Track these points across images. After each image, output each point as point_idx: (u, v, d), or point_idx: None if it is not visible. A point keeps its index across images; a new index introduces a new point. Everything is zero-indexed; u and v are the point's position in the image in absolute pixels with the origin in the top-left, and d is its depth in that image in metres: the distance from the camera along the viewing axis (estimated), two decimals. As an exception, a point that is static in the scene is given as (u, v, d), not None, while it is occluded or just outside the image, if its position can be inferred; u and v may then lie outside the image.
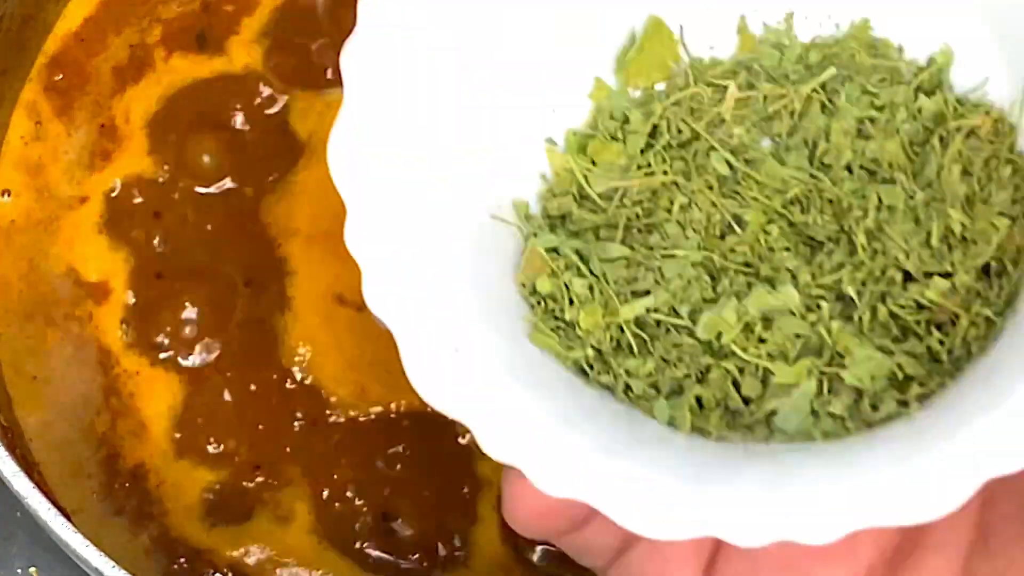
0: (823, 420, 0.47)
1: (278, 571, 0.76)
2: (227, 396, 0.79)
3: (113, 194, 0.82)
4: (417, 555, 0.76)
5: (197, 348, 0.80)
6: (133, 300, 0.81)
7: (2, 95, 0.83)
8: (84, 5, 0.86)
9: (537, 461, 0.43)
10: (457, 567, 0.76)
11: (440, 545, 0.76)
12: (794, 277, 0.50)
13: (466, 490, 0.77)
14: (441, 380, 0.45)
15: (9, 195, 0.82)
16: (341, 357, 0.80)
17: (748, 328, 0.48)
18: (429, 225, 0.49)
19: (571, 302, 0.50)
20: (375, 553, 0.76)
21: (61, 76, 0.85)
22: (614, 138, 0.54)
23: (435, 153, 0.51)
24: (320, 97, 0.85)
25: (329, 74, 0.85)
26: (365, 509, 0.77)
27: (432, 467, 0.78)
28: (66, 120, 0.84)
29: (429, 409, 0.45)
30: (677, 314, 0.49)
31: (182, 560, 0.76)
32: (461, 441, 0.77)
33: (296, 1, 0.87)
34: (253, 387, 0.79)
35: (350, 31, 0.52)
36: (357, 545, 0.76)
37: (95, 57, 0.85)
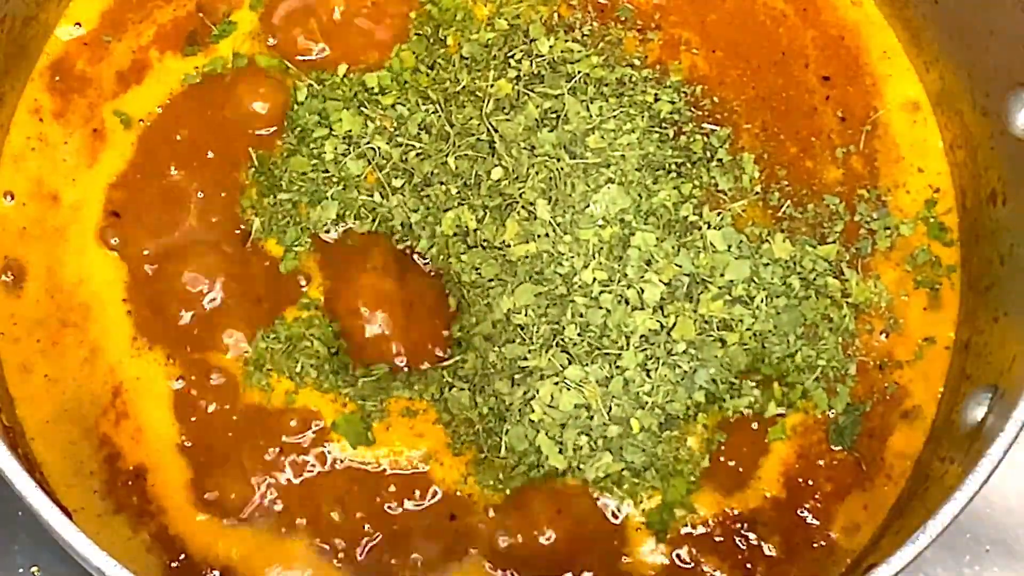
0: None
1: (273, 569, 0.77)
2: (227, 396, 0.80)
3: (114, 196, 0.83)
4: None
5: (198, 346, 0.81)
6: (136, 300, 0.81)
7: (3, 96, 0.83)
8: (86, 10, 0.86)
9: None
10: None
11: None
12: None
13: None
14: None
15: (12, 198, 0.83)
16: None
17: None
18: None
19: None
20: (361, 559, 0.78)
21: (59, 79, 0.85)
22: None
23: None
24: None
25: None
26: (356, 516, 0.78)
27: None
28: (62, 122, 0.84)
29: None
30: None
31: (181, 557, 0.77)
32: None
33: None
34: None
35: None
36: (342, 552, 0.77)
37: (98, 63, 0.85)
